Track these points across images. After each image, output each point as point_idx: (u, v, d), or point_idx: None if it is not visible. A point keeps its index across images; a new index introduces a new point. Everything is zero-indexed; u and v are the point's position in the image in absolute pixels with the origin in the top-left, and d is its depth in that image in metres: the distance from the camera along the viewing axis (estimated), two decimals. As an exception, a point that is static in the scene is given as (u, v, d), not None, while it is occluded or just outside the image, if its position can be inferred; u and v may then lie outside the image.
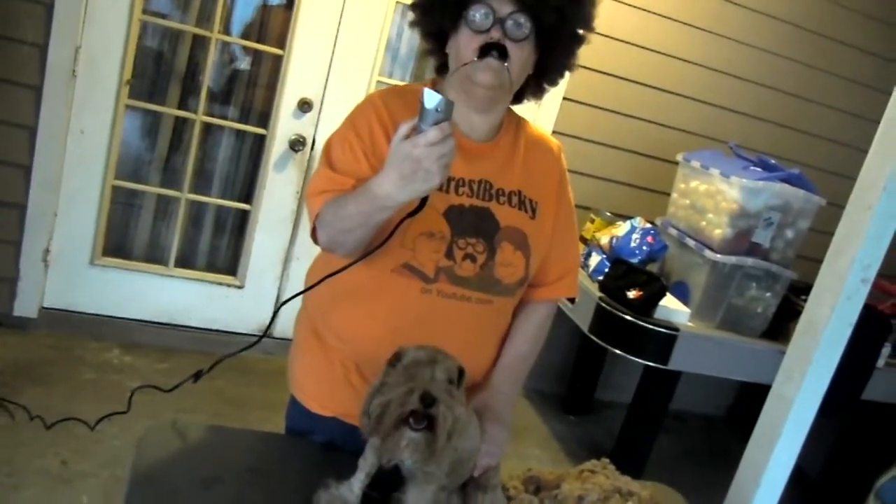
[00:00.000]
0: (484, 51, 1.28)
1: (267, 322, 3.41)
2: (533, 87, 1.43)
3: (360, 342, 1.38)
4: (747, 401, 4.03)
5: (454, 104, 1.11)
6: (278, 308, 1.42)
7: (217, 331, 3.39)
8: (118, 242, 3.29)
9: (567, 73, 1.44)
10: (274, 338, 3.35)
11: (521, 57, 1.31)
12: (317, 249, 1.42)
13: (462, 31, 1.30)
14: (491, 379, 1.47)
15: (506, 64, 1.29)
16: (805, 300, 1.72)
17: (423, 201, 1.19)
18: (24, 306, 3.07)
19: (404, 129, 1.11)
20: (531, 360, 1.52)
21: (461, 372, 1.16)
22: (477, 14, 1.27)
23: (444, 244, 1.32)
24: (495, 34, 1.27)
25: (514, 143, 1.46)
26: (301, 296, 1.46)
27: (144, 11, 2.99)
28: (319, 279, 1.33)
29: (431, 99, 1.08)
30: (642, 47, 3.42)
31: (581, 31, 1.38)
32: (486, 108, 1.38)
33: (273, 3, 3.30)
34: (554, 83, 1.45)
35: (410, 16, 1.42)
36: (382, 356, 1.32)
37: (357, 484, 1.21)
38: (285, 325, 3.29)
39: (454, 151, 1.11)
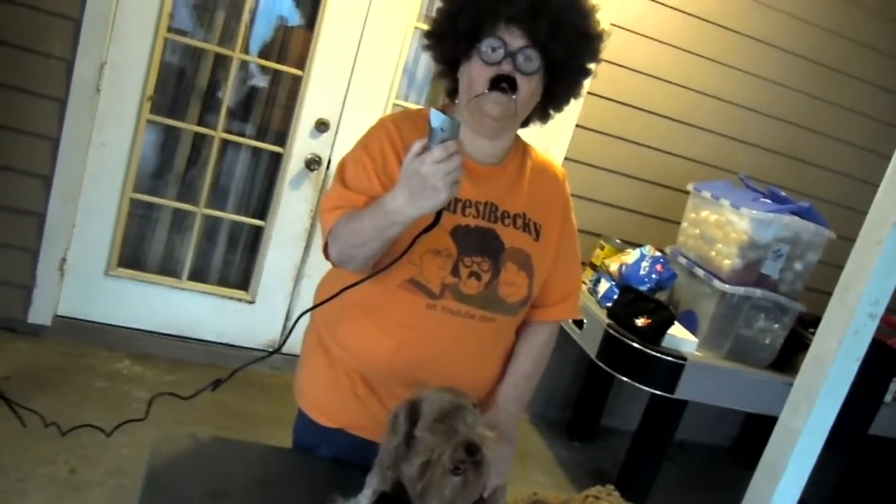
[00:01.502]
0: (494, 83, 1.33)
1: (277, 337, 3.44)
2: (539, 112, 1.48)
3: (366, 354, 1.42)
4: (753, 432, 4.02)
5: (460, 124, 1.16)
6: (295, 322, 1.45)
7: (227, 345, 3.42)
8: (133, 254, 3.33)
9: (573, 100, 1.48)
10: (282, 353, 3.37)
11: (530, 89, 1.36)
12: (327, 266, 1.46)
13: (474, 61, 1.35)
14: (496, 398, 1.50)
15: (514, 97, 1.33)
16: (813, 333, 1.73)
17: (438, 217, 1.23)
18: (39, 314, 3.11)
19: (416, 147, 1.16)
20: (535, 380, 1.55)
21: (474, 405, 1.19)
22: (489, 47, 1.32)
23: (451, 261, 1.36)
24: (506, 67, 1.32)
25: (521, 167, 1.50)
26: (312, 313, 1.49)
27: (169, 29, 3.05)
28: (332, 294, 1.37)
29: (437, 119, 1.14)
30: (655, 77, 3.46)
31: (589, 64, 1.43)
32: (494, 136, 1.43)
33: (294, 24, 3.36)
34: (559, 110, 1.49)
35: (424, 41, 1.46)
36: (388, 369, 1.35)
37: (364, 500, 1.23)
38: (294, 342, 3.32)
39: (461, 169, 1.16)
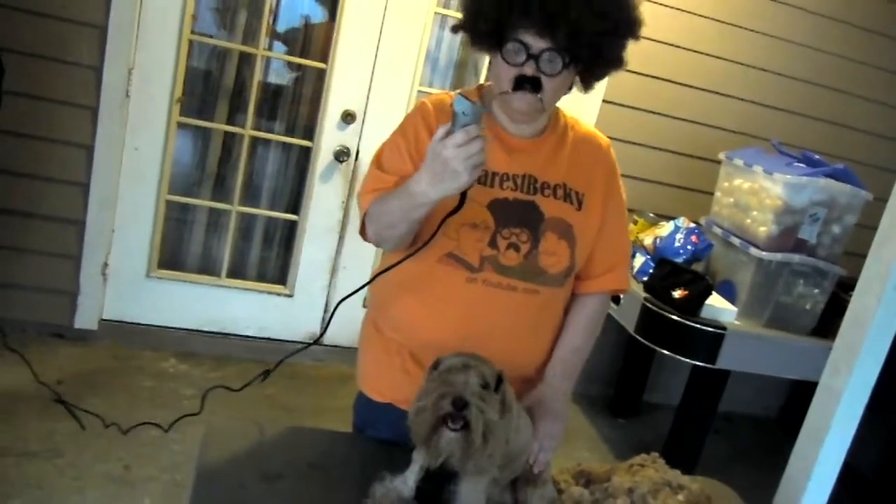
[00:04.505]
0: (518, 83, 1.33)
1: (317, 329, 3.48)
2: (580, 85, 1.45)
3: (413, 330, 1.45)
4: (798, 401, 3.98)
5: (483, 109, 1.18)
6: (335, 309, 1.49)
7: (268, 339, 3.47)
8: (172, 255, 3.40)
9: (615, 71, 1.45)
10: (323, 345, 3.42)
11: (555, 85, 1.35)
12: (363, 255, 1.49)
13: (499, 59, 1.35)
14: (544, 372, 1.50)
15: (539, 96, 1.34)
16: (853, 294, 1.72)
17: (463, 198, 1.25)
18: (85, 319, 3.19)
19: (441, 131, 1.18)
20: (585, 353, 1.55)
21: (499, 377, 1.20)
22: (511, 50, 1.32)
23: (488, 234, 1.38)
24: (528, 70, 1.31)
25: (561, 139, 1.49)
26: (365, 298, 1.53)
27: (193, 32, 3.09)
28: (369, 279, 1.44)
29: (460, 104, 1.16)
30: (681, 47, 3.42)
31: (619, 55, 1.39)
32: (527, 123, 1.44)
33: (315, 17, 3.39)
34: (600, 80, 1.47)
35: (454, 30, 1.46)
36: (434, 343, 1.37)
37: (411, 477, 1.25)
38: (334, 333, 3.37)
39: (483, 153, 1.17)
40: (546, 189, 1.44)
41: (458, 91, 1.41)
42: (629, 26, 1.36)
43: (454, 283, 1.38)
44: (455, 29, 1.45)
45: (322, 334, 1.57)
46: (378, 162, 1.43)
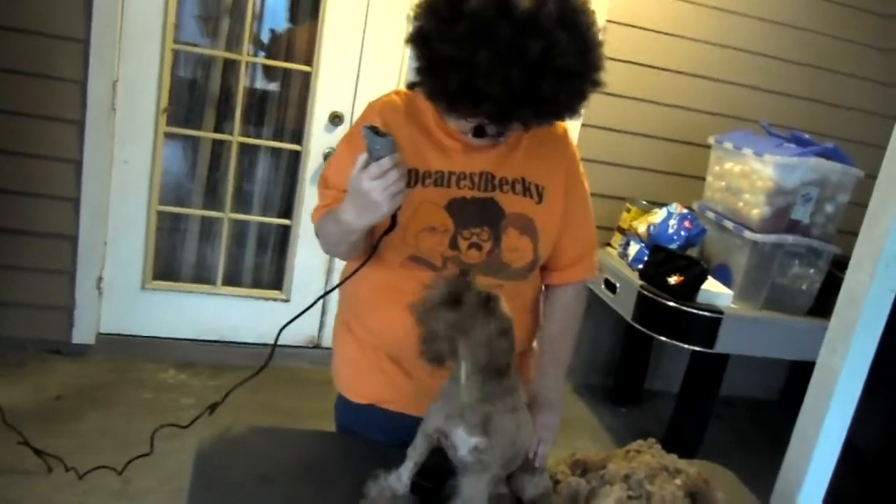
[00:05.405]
0: (478, 131, 1.33)
1: (315, 333, 3.47)
2: None
3: (386, 331, 1.44)
4: (799, 381, 3.96)
5: (394, 142, 1.17)
6: (283, 328, 1.49)
7: (266, 345, 3.44)
8: (166, 266, 3.39)
9: None
10: (323, 348, 3.42)
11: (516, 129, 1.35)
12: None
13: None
14: (537, 367, 1.51)
15: (501, 139, 1.37)
16: (849, 273, 1.72)
17: (394, 220, 1.27)
18: (82, 334, 3.18)
19: (361, 160, 1.19)
20: (567, 341, 1.54)
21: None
22: (474, 121, 1.31)
23: (447, 237, 1.37)
24: (492, 130, 1.32)
25: (518, 135, 1.45)
26: (339, 301, 1.57)
27: (176, 41, 3.09)
28: (323, 292, 1.50)
29: (369, 138, 1.16)
30: (665, 33, 3.41)
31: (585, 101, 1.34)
32: None
33: (298, 20, 3.38)
34: None
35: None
36: (408, 341, 1.36)
37: (405, 473, 1.25)
38: (331, 337, 3.35)
39: (401, 181, 1.19)
40: (504, 185, 1.42)
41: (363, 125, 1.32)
42: (591, 79, 1.30)
43: (420, 283, 1.35)
44: (410, 85, 1.44)
45: (274, 349, 1.55)
46: (324, 179, 1.44)
